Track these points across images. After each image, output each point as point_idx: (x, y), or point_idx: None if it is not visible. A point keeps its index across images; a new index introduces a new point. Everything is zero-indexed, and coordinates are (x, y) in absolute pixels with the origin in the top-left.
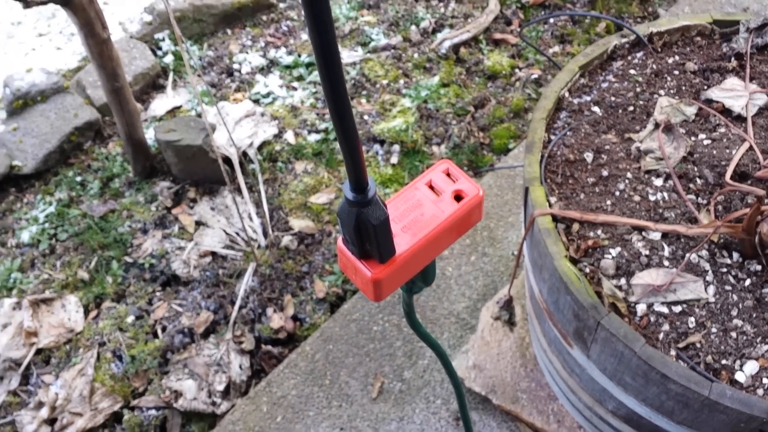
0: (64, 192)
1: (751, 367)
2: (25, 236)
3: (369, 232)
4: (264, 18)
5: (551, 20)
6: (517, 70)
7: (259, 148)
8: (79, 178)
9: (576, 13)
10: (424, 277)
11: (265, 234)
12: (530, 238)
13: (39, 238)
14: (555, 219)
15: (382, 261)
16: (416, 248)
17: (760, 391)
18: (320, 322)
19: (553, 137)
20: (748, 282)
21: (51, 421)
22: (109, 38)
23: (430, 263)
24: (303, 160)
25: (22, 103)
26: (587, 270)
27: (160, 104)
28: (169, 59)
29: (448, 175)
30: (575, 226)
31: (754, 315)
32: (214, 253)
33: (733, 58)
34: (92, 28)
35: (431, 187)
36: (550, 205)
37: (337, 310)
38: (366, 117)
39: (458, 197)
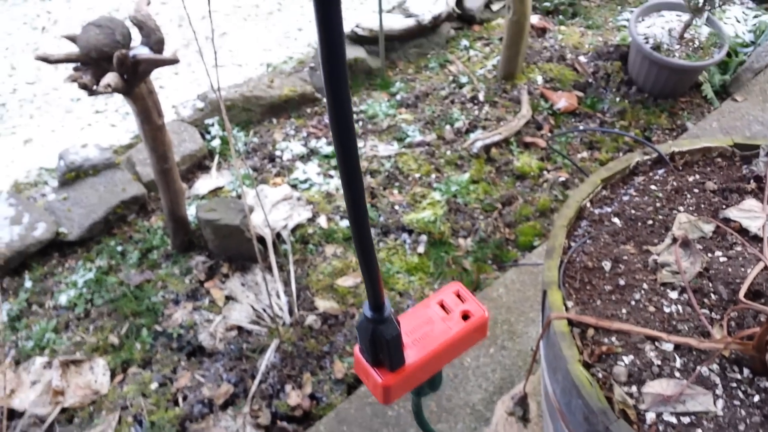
0: (105, 260)
1: None
2: (63, 299)
3: (382, 345)
4: (308, 110)
5: (580, 126)
6: (545, 172)
7: (293, 230)
8: (120, 248)
9: (602, 130)
10: (431, 385)
11: (291, 312)
12: (546, 339)
13: (76, 302)
14: (571, 323)
15: (392, 370)
16: (424, 360)
17: None
18: (336, 403)
19: (573, 244)
20: (756, 398)
21: None
22: (163, 125)
23: (437, 372)
24: (333, 244)
25: (75, 175)
26: (600, 375)
27: (203, 184)
28: (216, 143)
29: (458, 296)
30: (590, 332)
31: (761, 431)
32: (240, 328)
33: (752, 180)
34: (149, 116)
35: (442, 306)
36: (567, 309)
37: (354, 392)
38: (397, 207)
39: (465, 316)
